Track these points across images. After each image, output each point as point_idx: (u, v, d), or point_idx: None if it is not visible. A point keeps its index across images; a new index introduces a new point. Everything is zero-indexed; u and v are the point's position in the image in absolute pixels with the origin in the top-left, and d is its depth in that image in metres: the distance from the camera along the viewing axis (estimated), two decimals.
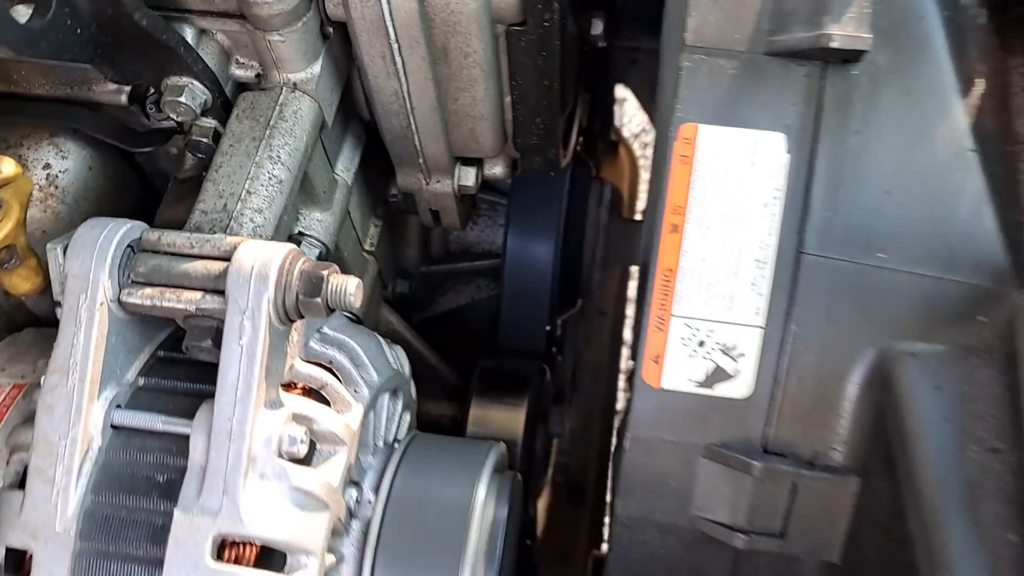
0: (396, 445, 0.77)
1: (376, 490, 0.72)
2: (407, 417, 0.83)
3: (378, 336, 0.79)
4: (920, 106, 0.66)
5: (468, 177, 0.89)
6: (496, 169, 0.92)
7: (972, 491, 0.60)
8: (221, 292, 0.63)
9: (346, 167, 0.87)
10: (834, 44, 0.64)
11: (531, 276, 1.18)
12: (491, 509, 0.73)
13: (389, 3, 0.70)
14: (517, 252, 1.18)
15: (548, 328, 1.22)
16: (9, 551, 0.64)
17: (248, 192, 0.70)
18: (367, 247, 0.97)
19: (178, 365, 0.70)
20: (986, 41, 0.72)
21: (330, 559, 0.67)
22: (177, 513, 0.61)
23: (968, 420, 0.62)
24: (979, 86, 0.67)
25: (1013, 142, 0.69)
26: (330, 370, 0.70)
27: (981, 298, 0.64)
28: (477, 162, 0.90)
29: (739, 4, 0.67)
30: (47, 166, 0.85)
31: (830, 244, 0.65)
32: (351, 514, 0.70)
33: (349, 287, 0.63)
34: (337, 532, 0.69)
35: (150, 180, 0.97)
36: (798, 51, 0.66)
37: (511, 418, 1.07)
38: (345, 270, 0.89)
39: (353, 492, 0.71)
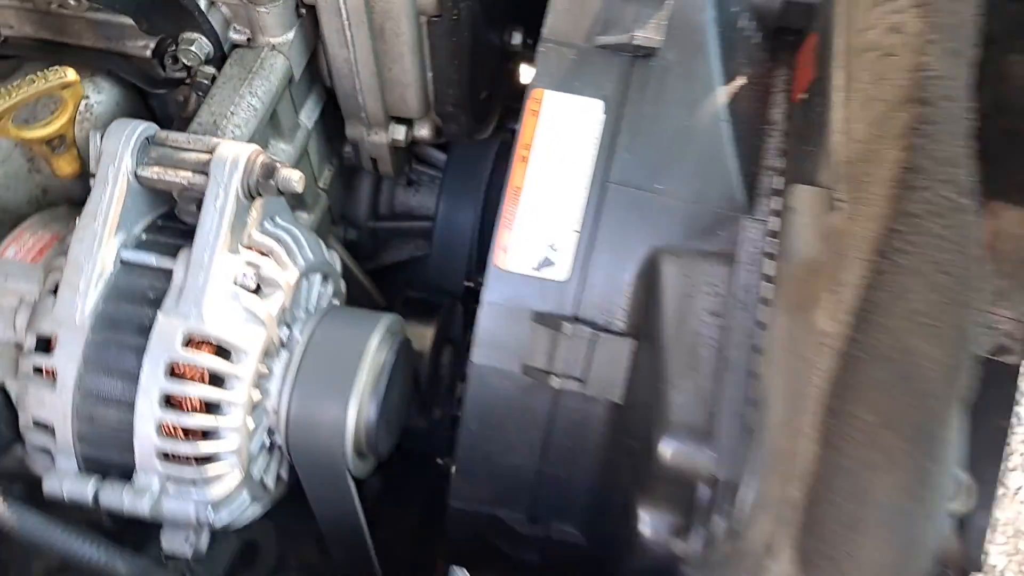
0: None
1: (302, 333, 0.99)
2: (336, 301, 1.11)
3: (318, 237, 1.06)
4: (694, 90, 0.95)
5: (399, 132, 1.18)
6: (423, 131, 1.21)
7: (694, 339, 0.88)
8: (206, 174, 0.91)
9: (308, 116, 1.15)
10: (637, 42, 0.94)
11: (456, 232, 1.46)
12: (381, 354, 1.00)
13: None
14: (446, 212, 1.46)
15: (468, 280, 1.50)
16: (40, 338, 0.91)
17: (232, 113, 0.98)
18: (321, 184, 1.25)
19: (170, 230, 0.97)
20: (758, 54, 1.02)
21: (264, 370, 0.94)
22: (160, 315, 0.88)
23: (702, 297, 0.90)
24: (739, 81, 0.97)
25: (766, 123, 0.98)
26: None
27: (722, 220, 0.92)
28: (408, 122, 1.19)
29: (580, 12, 0.97)
30: (86, 97, 1.13)
31: (627, 177, 0.94)
32: (283, 345, 0.97)
33: (294, 177, 0.91)
34: (270, 353, 0.95)
35: (160, 122, 1.25)
36: (616, 46, 0.95)
37: (421, 333, 1.34)
38: (300, 198, 1.17)
39: (286, 330, 0.98)
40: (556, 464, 1.02)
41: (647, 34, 0.93)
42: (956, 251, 0.68)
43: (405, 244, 1.59)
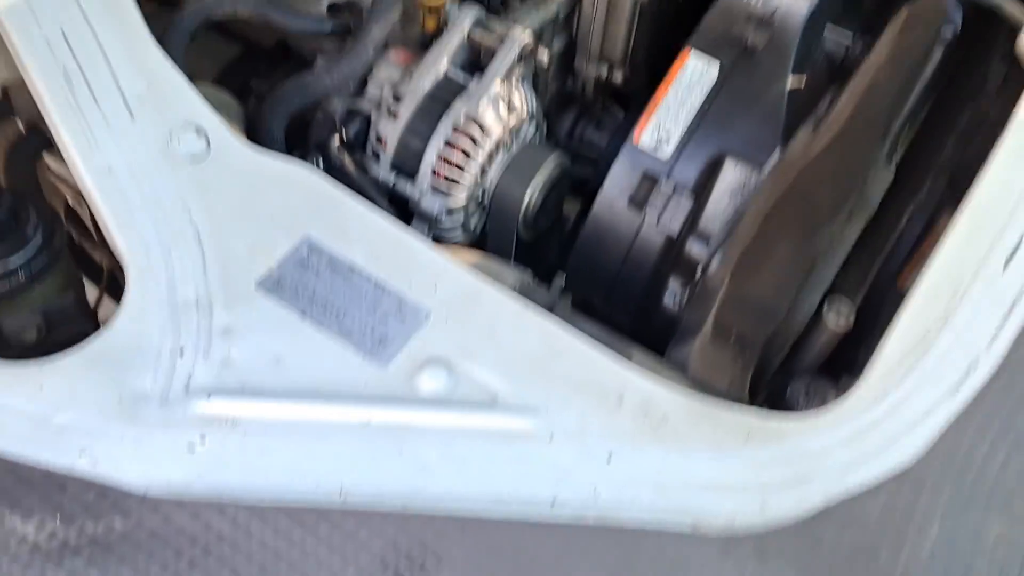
0: None
1: (516, 142, 1.67)
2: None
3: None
4: (771, 76, 1.57)
5: (603, 70, 1.85)
6: (617, 76, 1.87)
7: (724, 197, 1.49)
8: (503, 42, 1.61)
9: (556, 44, 1.84)
10: (749, 43, 1.57)
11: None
12: (550, 169, 1.65)
13: None
14: (608, 151, 2.10)
15: None
16: (395, 96, 1.63)
17: (524, 18, 1.68)
18: (550, 90, 1.94)
19: (472, 67, 1.67)
20: (821, 75, 1.62)
21: (494, 152, 1.62)
22: (456, 101, 1.58)
23: (735, 176, 1.51)
24: (800, 81, 1.58)
25: (808, 111, 1.59)
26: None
27: (765, 146, 1.54)
28: (610, 67, 1.86)
29: (726, 20, 1.61)
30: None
31: (718, 111, 1.56)
32: (506, 146, 1.65)
33: (545, 56, 1.60)
34: (499, 145, 1.63)
35: None
36: (737, 41, 1.59)
37: (574, 205, 1.97)
38: (535, 87, 1.85)
39: (511, 137, 1.66)
40: (628, 267, 1.65)
41: (755, 40, 1.56)
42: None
43: (582, 164, 2.26)
